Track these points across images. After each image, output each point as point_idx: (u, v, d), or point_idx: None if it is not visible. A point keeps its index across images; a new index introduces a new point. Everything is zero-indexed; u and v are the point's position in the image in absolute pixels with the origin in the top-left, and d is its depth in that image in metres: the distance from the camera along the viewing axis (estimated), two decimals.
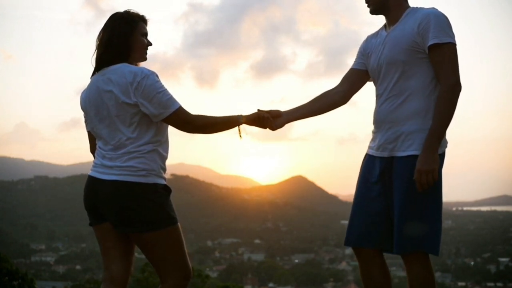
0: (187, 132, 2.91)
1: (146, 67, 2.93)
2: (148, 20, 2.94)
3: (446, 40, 2.80)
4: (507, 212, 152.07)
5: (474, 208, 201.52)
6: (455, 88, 2.80)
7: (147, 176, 2.74)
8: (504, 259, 66.19)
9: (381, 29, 3.10)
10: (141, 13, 2.92)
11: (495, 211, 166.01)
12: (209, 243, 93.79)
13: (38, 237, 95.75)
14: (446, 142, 2.93)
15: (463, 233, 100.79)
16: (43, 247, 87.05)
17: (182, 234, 2.85)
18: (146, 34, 2.91)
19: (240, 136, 3.03)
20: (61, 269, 65.15)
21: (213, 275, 48.95)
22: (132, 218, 2.73)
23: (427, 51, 2.84)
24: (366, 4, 3.04)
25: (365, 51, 3.14)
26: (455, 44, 2.84)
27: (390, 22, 3.01)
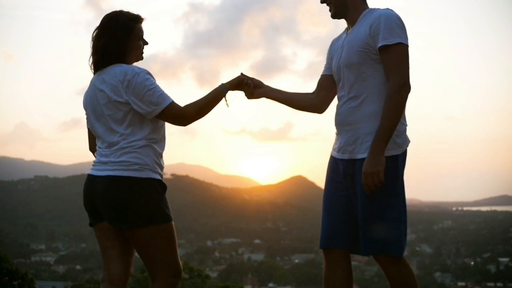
0: (183, 125, 2.92)
1: (147, 67, 2.94)
2: (144, 19, 2.93)
3: (395, 41, 2.79)
4: (507, 212, 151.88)
5: (474, 208, 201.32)
6: (403, 89, 2.79)
7: (141, 171, 2.75)
8: (504, 259, 66.07)
9: (343, 32, 3.11)
10: (136, 13, 2.91)
11: (495, 211, 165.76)
12: (209, 243, 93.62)
13: (38, 237, 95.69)
14: (407, 142, 2.93)
15: (463, 233, 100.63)
16: (43, 247, 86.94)
17: (175, 233, 2.85)
18: (142, 36, 2.92)
19: (227, 105, 3.03)
20: (61, 269, 65.08)
21: (213, 275, 48.86)
22: (126, 213, 2.74)
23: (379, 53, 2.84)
24: (328, 9, 3.03)
25: (330, 56, 3.16)
26: (405, 45, 2.82)
27: (350, 24, 3.02)
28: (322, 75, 3.22)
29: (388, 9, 2.89)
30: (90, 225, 2.94)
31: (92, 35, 2.89)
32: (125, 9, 2.93)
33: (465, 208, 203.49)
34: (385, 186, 2.82)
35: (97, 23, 2.91)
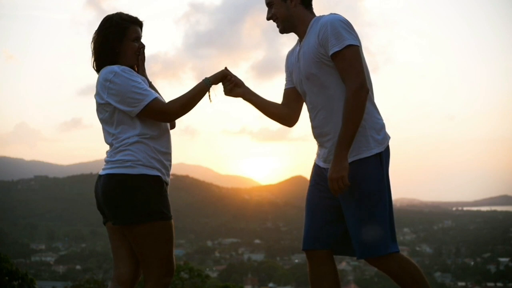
0: (167, 121, 2.92)
1: (148, 67, 2.95)
2: (141, 22, 2.93)
3: (344, 44, 2.78)
4: (507, 212, 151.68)
5: (474, 208, 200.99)
6: (360, 92, 2.77)
7: (134, 167, 2.76)
8: (504, 259, 66.02)
9: (296, 44, 3.10)
10: (134, 15, 2.92)
11: (495, 211, 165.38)
12: (209, 243, 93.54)
13: (38, 237, 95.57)
14: (387, 138, 2.93)
15: (463, 233, 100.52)
16: (43, 247, 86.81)
17: (173, 232, 2.84)
18: (138, 38, 2.91)
19: (210, 99, 3.01)
20: (61, 269, 65.00)
21: (213, 275, 48.83)
22: (120, 209, 2.77)
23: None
24: (276, 25, 3.02)
25: (288, 69, 3.14)
26: (355, 46, 2.80)
27: (300, 37, 3.01)
28: (285, 89, 3.19)
29: (332, 14, 2.89)
30: (104, 223, 2.99)
31: (93, 36, 2.92)
32: (126, 9, 3.01)
33: (465, 208, 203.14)
34: (371, 188, 2.84)
35: (98, 24, 2.93)
